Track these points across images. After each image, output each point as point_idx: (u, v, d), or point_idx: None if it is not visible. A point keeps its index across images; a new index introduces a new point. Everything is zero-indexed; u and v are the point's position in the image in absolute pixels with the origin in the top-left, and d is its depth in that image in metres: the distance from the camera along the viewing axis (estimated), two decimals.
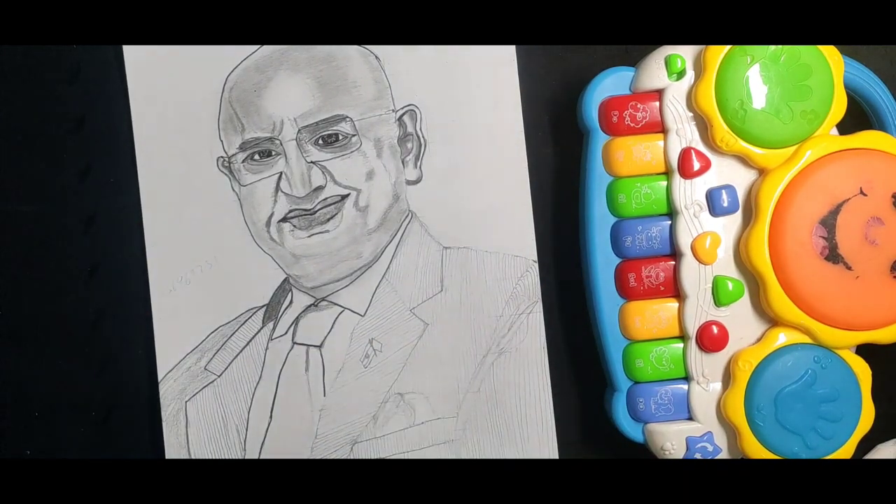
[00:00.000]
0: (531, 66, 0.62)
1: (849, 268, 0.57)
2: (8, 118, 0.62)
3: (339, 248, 0.62)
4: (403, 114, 0.62)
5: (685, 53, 0.58)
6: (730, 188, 0.58)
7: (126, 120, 0.62)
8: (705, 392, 0.59)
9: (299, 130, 0.62)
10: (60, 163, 0.62)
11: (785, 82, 0.57)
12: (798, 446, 0.57)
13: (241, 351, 0.62)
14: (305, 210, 0.62)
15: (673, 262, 0.59)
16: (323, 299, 0.62)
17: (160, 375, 0.62)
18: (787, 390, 0.57)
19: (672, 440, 0.59)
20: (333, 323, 0.62)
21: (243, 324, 0.62)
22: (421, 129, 0.62)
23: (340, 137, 0.62)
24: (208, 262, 0.62)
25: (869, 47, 0.62)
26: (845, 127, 0.58)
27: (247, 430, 0.62)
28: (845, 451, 0.58)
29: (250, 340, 0.62)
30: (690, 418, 0.59)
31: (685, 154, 0.58)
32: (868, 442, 0.58)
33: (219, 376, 0.62)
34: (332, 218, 0.62)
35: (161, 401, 0.62)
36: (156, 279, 0.62)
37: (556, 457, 0.62)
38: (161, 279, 0.62)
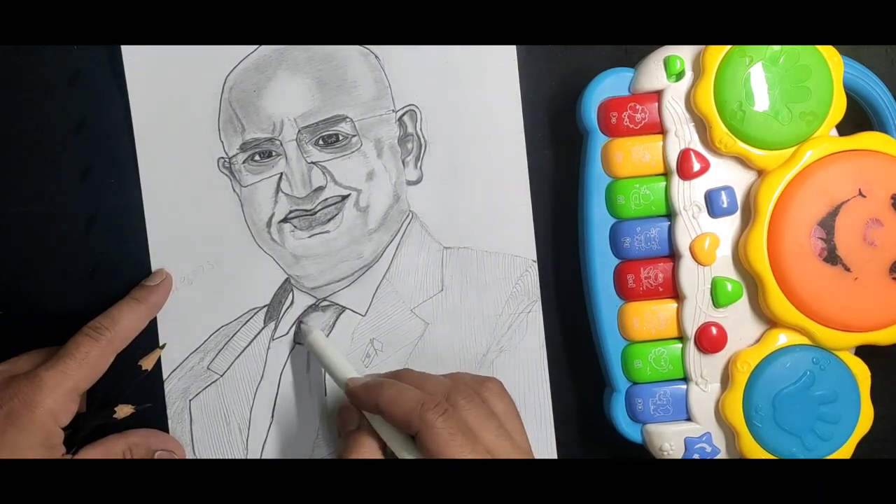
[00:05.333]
0: (531, 66, 0.62)
1: (847, 269, 0.57)
2: (9, 119, 0.62)
3: (340, 248, 0.62)
4: (404, 114, 0.62)
5: (684, 54, 0.58)
6: (729, 189, 0.58)
7: (126, 121, 0.62)
8: (704, 393, 0.59)
9: (299, 131, 0.62)
10: (61, 164, 0.62)
11: (784, 83, 0.57)
12: (796, 447, 0.58)
13: (243, 351, 0.63)
14: (306, 210, 0.62)
15: (672, 263, 0.59)
16: (324, 299, 0.63)
17: (164, 375, 0.62)
18: (785, 391, 0.57)
19: (670, 441, 0.59)
20: (334, 323, 0.63)
21: (245, 324, 0.63)
22: (421, 130, 0.62)
23: (341, 138, 0.62)
24: (210, 263, 0.62)
25: (869, 47, 0.61)
26: (845, 128, 0.58)
27: (249, 429, 0.63)
28: (844, 453, 0.58)
29: (252, 340, 0.63)
30: (689, 419, 0.59)
31: (684, 155, 0.58)
32: (867, 443, 0.58)
33: (221, 376, 0.63)
34: (332, 218, 0.62)
35: (166, 399, 0.62)
36: None
37: (555, 457, 0.62)
38: None
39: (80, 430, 0.59)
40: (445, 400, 0.53)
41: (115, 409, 0.60)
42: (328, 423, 0.62)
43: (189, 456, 0.62)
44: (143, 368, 0.61)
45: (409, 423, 0.53)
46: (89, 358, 0.57)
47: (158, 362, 0.62)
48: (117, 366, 0.59)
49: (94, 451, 0.59)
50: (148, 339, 0.62)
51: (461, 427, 0.52)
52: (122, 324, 0.59)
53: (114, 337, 0.58)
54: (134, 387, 0.61)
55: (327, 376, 0.62)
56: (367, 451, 0.55)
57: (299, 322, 0.62)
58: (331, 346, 0.60)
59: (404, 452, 0.54)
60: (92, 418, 0.60)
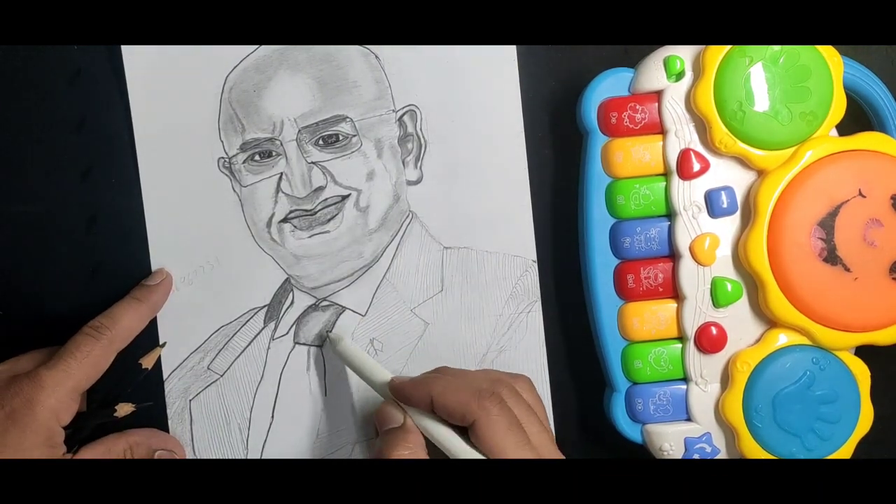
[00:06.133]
0: (531, 66, 0.62)
1: (847, 269, 0.57)
2: (9, 119, 0.62)
3: (340, 248, 0.62)
4: (404, 114, 0.62)
5: (684, 54, 0.58)
6: (728, 189, 0.58)
7: (126, 121, 0.62)
8: (704, 393, 0.59)
9: (300, 131, 0.62)
10: (61, 164, 0.62)
11: (784, 83, 0.57)
12: (796, 447, 0.58)
13: (243, 351, 0.63)
14: (306, 210, 0.62)
15: (671, 264, 0.59)
16: (324, 299, 0.63)
17: (164, 374, 0.62)
18: (785, 391, 0.57)
19: (670, 441, 0.59)
20: (334, 323, 0.63)
21: (245, 324, 0.63)
22: (421, 130, 0.62)
23: (341, 138, 0.62)
24: (210, 263, 0.62)
25: (869, 47, 0.61)
26: (845, 128, 0.58)
27: (249, 429, 0.63)
28: (844, 453, 0.58)
29: (252, 340, 0.63)
30: (689, 419, 0.59)
31: (684, 155, 0.58)
32: (867, 444, 0.58)
33: (221, 376, 0.63)
34: (332, 218, 0.62)
35: (166, 399, 0.62)
36: None
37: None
38: None
39: (82, 430, 0.59)
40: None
41: (116, 407, 0.60)
42: (328, 423, 0.62)
43: (189, 456, 0.62)
44: (144, 367, 0.61)
45: (466, 413, 0.52)
46: (90, 357, 0.57)
47: (159, 361, 0.62)
48: (117, 365, 0.59)
49: (95, 451, 0.59)
50: (148, 338, 0.62)
51: (514, 418, 0.53)
52: (123, 323, 0.59)
53: (114, 336, 0.58)
54: (134, 386, 0.61)
55: (327, 377, 0.62)
56: (413, 445, 0.54)
57: (326, 332, 0.62)
58: (362, 351, 0.60)
59: (453, 445, 0.53)
60: (93, 417, 0.60)
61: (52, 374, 0.56)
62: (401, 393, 0.55)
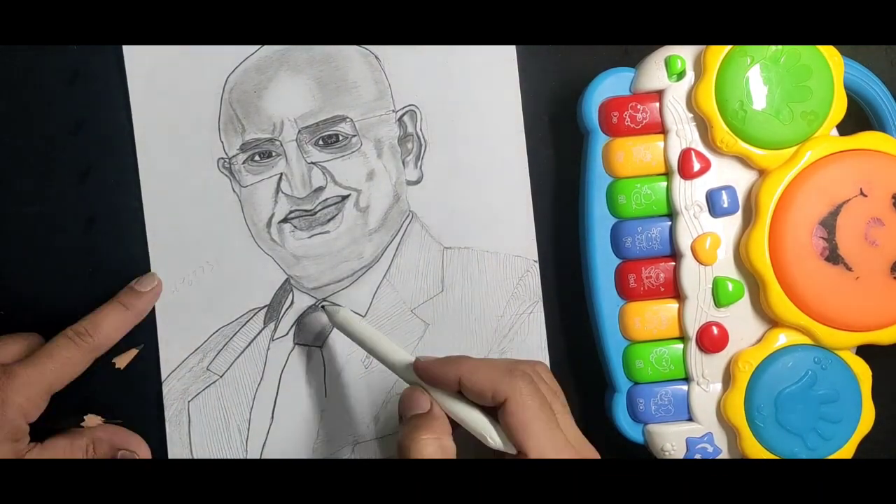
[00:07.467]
0: (531, 66, 0.62)
1: (849, 268, 0.57)
2: (8, 119, 0.62)
3: (340, 248, 0.62)
4: (404, 114, 0.62)
5: (685, 54, 0.58)
6: (730, 189, 0.58)
7: (126, 121, 0.62)
8: (705, 393, 0.59)
9: (299, 131, 0.62)
10: (61, 164, 0.62)
11: (785, 83, 0.57)
12: (798, 447, 0.58)
13: (242, 351, 0.62)
14: (306, 211, 0.62)
15: (673, 263, 0.59)
16: (324, 300, 0.62)
17: (163, 376, 0.62)
18: (787, 391, 0.57)
19: (672, 441, 0.59)
20: None
21: (245, 324, 0.62)
22: (421, 130, 0.62)
23: (341, 138, 0.62)
24: (209, 264, 0.62)
25: (869, 47, 0.61)
26: (845, 128, 0.58)
27: (248, 430, 0.62)
28: (845, 452, 0.58)
29: (252, 341, 0.62)
30: (690, 419, 0.59)
31: (685, 155, 0.58)
32: (868, 443, 0.58)
33: (221, 377, 0.62)
34: (332, 218, 0.62)
35: (164, 401, 0.62)
36: None
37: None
38: (162, 280, 0.62)
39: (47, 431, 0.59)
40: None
41: (85, 417, 0.59)
42: (328, 423, 0.62)
43: (187, 458, 0.62)
44: (117, 367, 0.61)
45: (497, 391, 0.51)
46: (69, 362, 0.57)
47: (157, 362, 0.62)
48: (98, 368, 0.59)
49: (57, 443, 0.58)
50: (146, 342, 0.62)
51: (544, 398, 0.52)
52: (106, 330, 0.59)
53: (96, 344, 0.58)
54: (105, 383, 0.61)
55: (327, 377, 0.62)
56: (439, 432, 0.53)
57: (321, 305, 0.61)
58: (375, 329, 0.58)
59: (482, 426, 0.53)
60: (60, 423, 0.59)
61: (28, 373, 0.56)
62: (427, 372, 0.54)
